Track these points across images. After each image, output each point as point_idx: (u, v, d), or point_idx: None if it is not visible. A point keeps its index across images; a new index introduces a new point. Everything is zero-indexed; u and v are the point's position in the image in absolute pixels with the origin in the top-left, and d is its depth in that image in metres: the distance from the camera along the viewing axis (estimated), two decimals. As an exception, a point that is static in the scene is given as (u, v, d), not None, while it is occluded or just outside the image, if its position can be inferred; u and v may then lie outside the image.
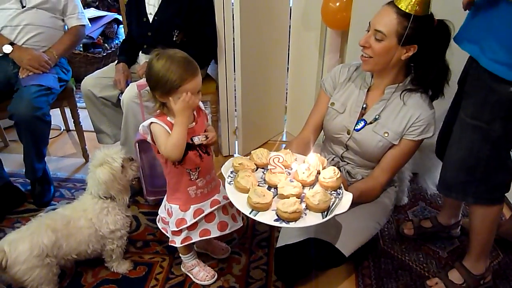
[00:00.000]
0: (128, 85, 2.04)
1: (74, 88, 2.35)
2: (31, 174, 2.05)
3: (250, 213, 1.16)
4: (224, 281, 1.64)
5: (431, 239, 1.85)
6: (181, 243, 1.49)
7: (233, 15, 2.11)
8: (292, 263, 1.52)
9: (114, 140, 2.30)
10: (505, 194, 1.45)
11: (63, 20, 2.20)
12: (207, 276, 1.62)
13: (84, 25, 2.25)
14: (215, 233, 1.50)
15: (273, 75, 2.52)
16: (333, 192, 1.25)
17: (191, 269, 1.65)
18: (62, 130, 2.83)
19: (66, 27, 2.23)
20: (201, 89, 1.32)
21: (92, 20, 3.33)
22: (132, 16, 2.17)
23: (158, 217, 1.60)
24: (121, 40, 3.70)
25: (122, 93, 2.06)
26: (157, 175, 1.96)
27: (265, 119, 2.61)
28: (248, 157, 1.38)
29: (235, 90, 2.34)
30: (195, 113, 1.40)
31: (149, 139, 1.35)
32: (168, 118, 1.33)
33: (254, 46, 2.25)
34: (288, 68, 2.63)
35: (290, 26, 2.49)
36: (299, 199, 1.18)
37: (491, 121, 1.28)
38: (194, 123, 1.38)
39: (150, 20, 2.08)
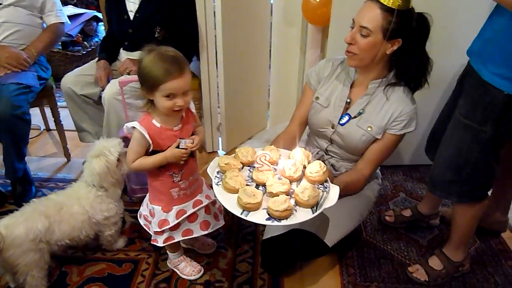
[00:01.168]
0: (109, 82, 2.03)
1: (54, 86, 2.32)
2: (11, 175, 2.01)
3: (241, 214, 1.15)
4: (210, 275, 1.65)
5: (411, 228, 1.90)
6: (163, 243, 1.49)
7: (214, 11, 2.11)
8: (277, 254, 1.54)
9: (97, 138, 2.23)
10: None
11: (41, 18, 2.16)
12: (193, 271, 1.63)
13: (63, 23, 2.22)
14: (197, 232, 1.51)
15: (256, 71, 2.54)
16: (320, 186, 1.26)
17: (177, 265, 1.65)
18: (42, 129, 2.79)
19: (45, 25, 2.19)
20: (189, 88, 1.28)
21: (71, 17, 3.27)
22: (112, 13, 2.16)
23: (139, 213, 1.59)
24: (101, 38, 3.66)
25: (103, 90, 2.04)
26: (141, 172, 1.96)
27: (248, 115, 2.63)
28: (233, 155, 1.38)
29: (217, 86, 2.35)
30: (183, 114, 1.38)
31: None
32: (154, 121, 1.32)
33: (236, 42, 2.26)
34: (270, 64, 2.64)
35: (271, 22, 2.51)
36: (289, 196, 1.19)
37: (483, 122, 1.31)
38: (180, 125, 1.36)
39: (131, 17, 2.07)
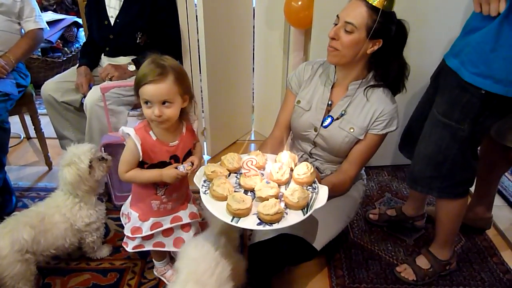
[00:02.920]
0: (90, 88, 1.99)
1: (34, 94, 2.27)
2: (-10, 185, 1.95)
3: (231, 221, 1.13)
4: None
5: (397, 228, 1.91)
6: (133, 249, 1.47)
7: (196, 16, 2.10)
8: (265, 259, 1.52)
9: (79, 146, 2.23)
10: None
11: (19, 24, 2.12)
12: None
13: (42, 29, 2.18)
14: (169, 247, 1.48)
15: (239, 75, 2.54)
16: (308, 187, 1.26)
17: (164, 273, 1.63)
18: (22, 138, 2.72)
19: (23, 31, 2.14)
20: (172, 100, 1.21)
21: (51, 23, 3.22)
22: (92, 19, 2.13)
23: (121, 212, 1.55)
24: (82, 44, 3.61)
25: (84, 97, 2.00)
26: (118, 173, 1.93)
27: (232, 119, 2.62)
28: (219, 163, 1.35)
29: (201, 91, 2.33)
30: (183, 129, 1.34)
31: (126, 142, 1.32)
32: (151, 132, 1.29)
33: (219, 46, 2.25)
34: (253, 67, 2.65)
35: (254, 26, 2.51)
36: (278, 199, 1.18)
37: (461, 121, 1.33)
38: (177, 141, 1.32)
39: (112, 23, 2.04)
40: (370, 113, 1.44)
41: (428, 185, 1.49)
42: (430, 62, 1.71)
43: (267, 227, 1.11)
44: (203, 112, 2.39)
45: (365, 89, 1.45)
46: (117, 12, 2.02)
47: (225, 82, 2.41)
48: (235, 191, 1.22)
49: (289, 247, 1.45)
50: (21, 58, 2.11)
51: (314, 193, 1.24)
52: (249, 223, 1.13)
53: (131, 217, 1.44)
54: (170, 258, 1.66)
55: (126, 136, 1.29)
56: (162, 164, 1.33)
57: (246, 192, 1.25)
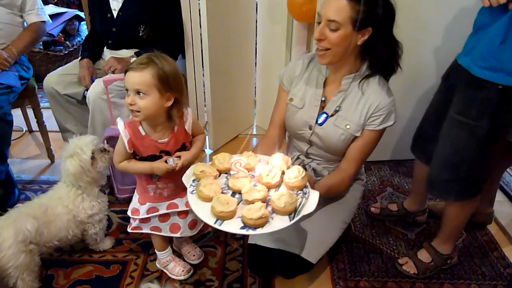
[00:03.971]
0: (93, 81, 1.99)
1: (36, 87, 2.27)
2: (-7, 177, 1.96)
3: (215, 223, 1.09)
4: (200, 275, 1.64)
5: (399, 222, 1.92)
6: (131, 230, 1.51)
7: (199, 10, 2.10)
8: (263, 260, 1.53)
9: (81, 139, 2.23)
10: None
11: (21, 17, 2.11)
12: (182, 271, 1.61)
13: (44, 21, 2.17)
14: (166, 232, 1.51)
15: (242, 69, 2.53)
16: (299, 192, 1.21)
17: (166, 265, 1.63)
18: (24, 131, 2.72)
19: (25, 24, 2.14)
20: (146, 92, 1.21)
21: (52, 17, 3.19)
22: (95, 12, 2.12)
23: None
24: (83, 37, 3.61)
25: (87, 90, 2.01)
26: (127, 173, 1.93)
27: (234, 113, 2.62)
28: (210, 163, 1.32)
29: (203, 85, 2.33)
30: (175, 128, 1.35)
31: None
32: (140, 127, 1.31)
33: (221, 40, 2.25)
34: (256, 61, 2.64)
35: (256, 20, 2.50)
36: (265, 203, 1.13)
37: (478, 118, 1.31)
38: (166, 139, 1.34)
39: (115, 16, 2.04)
40: (365, 108, 1.36)
41: (444, 189, 1.47)
42: (440, 60, 1.73)
43: (251, 232, 1.07)
44: (205, 106, 2.39)
45: (360, 82, 1.37)
46: (120, 5, 2.01)
47: (227, 76, 2.41)
48: (223, 193, 1.18)
49: (284, 263, 1.45)
50: (23, 51, 2.10)
51: (304, 198, 1.18)
52: (232, 226, 1.09)
53: (134, 198, 1.49)
54: (172, 250, 1.66)
55: (118, 129, 1.32)
56: (152, 157, 1.34)
57: (234, 194, 1.21)
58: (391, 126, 1.39)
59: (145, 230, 1.51)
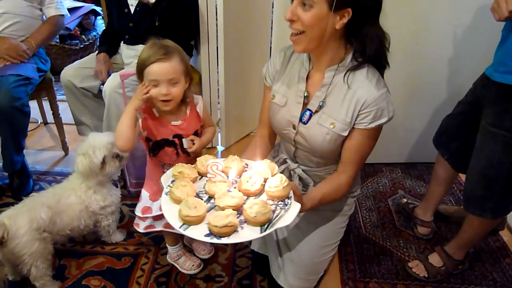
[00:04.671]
0: (109, 75, 2.01)
1: (53, 79, 2.30)
2: (9, 167, 1.99)
3: (180, 227, 1.02)
4: (210, 270, 1.65)
5: (410, 225, 1.91)
6: (144, 230, 1.50)
7: (216, 8, 2.11)
8: (265, 265, 1.53)
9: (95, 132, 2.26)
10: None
11: (41, 10, 2.14)
12: (193, 265, 1.63)
13: (63, 15, 2.20)
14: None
15: (256, 67, 2.53)
16: (279, 202, 1.10)
17: (177, 259, 1.65)
18: (39, 123, 2.76)
19: (44, 17, 2.17)
20: (178, 80, 1.24)
21: (69, 11, 3.20)
22: (112, 7, 2.14)
23: None
24: (99, 32, 3.65)
25: (103, 83, 2.03)
26: (141, 166, 1.95)
27: (247, 111, 2.62)
28: (194, 164, 1.25)
29: (218, 82, 2.34)
30: (187, 110, 1.37)
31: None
32: (154, 109, 1.33)
33: (237, 38, 2.25)
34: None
35: (272, 18, 2.50)
36: (236, 211, 1.05)
37: None
38: (180, 121, 1.35)
39: (132, 11, 2.05)
40: (352, 104, 1.19)
41: (481, 206, 1.41)
42: (451, 64, 1.72)
43: (215, 240, 0.99)
44: (218, 103, 2.40)
45: (345, 74, 1.19)
46: (137, 0, 2.03)
47: (241, 73, 2.41)
48: (198, 196, 1.12)
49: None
50: (42, 44, 2.13)
51: (283, 210, 1.07)
52: (197, 232, 1.01)
53: (142, 197, 1.48)
54: (183, 245, 1.68)
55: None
56: (165, 142, 1.35)
57: (210, 198, 1.14)
58: (386, 123, 1.20)
59: (158, 227, 1.50)
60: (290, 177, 1.38)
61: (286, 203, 1.10)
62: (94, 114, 2.21)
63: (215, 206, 1.08)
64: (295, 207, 1.07)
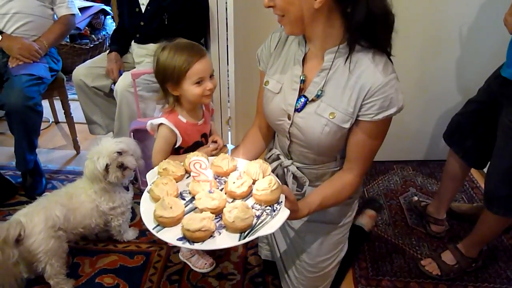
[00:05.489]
0: (121, 74, 2.02)
1: (65, 79, 2.32)
2: (22, 166, 2.01)
3: (153, 229, 0.94)
4: (223, 268, 1.65)
5: (422, 223, 1.90)
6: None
7: (226, 7, 2.11)
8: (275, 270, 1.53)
9: (107, 131, 2.28)
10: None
11: (52, 9, 2.16)
12: (205, 264, 1.63)
13: (74, 14, 2.22)
14: None
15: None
16: (267, 207, 1.00)
17: (190, 257, 1.65)
18: (51, 122, 2.79)
19: (56, 16, 2.19)
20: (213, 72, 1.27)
21: (79, 10, 3.24)
22: (123, 6, 2.15)
23: None
24: (108, 31, 3.66)
25: (114, 83, 2.04)
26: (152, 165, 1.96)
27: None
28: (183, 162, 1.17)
29: (228, 80, 2.34)
30: (204, 108, 1.38)
31: (156, 135, 1.34)
32: (180, 117, 1.31)
33: (246, 36, 2.24)
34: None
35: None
36: (214, 215, 0.96)
37: None
38: (202, 119, 1.36)
39: (143, 10, 2.06)
40: (355, 91, 1.04)
41: (505, 205, 1.38)
42: (460, 62, 1.71)
43: (187, 245, 0.91)
44: (228, 102, 2.41)
45: (347, 57, 1.04)
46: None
47: (251, 72, 2.40)
48: (181, 196, 1.05)
49: None
50: (53, 43, 2.15)
51: (269, 216, 0.98)
52: (169, 235, 0.93)
53: None
54: None
55: (156, 128, 1.32)
56: (196, 145, 1.36)
57: (194, 199, 1.04)
58: (395, 114, 1.04)
59: None
60: (283, 175, 1.28)
61: (275, 208, 1.00)
62: (106, 113, 2.23)
63: (196, 208, 0.99)
64: (282, 214, 0.97)
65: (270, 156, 1.33)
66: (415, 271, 1.65)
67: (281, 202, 1.01)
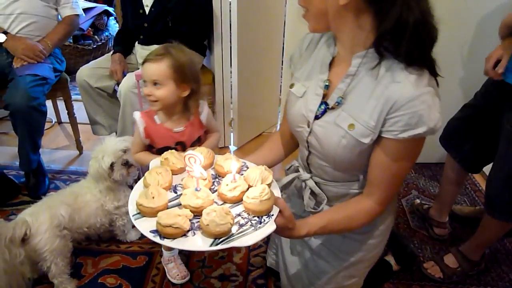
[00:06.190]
0: (124, 75, 2.03)
1: (69, 79, 2.32)
2: (26, 166, 2.02)
3: (133, 215, 0.93)
4: (225, 269, 1.66)
5: (425, 225, 1.90)
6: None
7: (230, 9, 2.12)
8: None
9: (110, 131, 2.29)
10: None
11: (56, 10, 2.16)
12: (177, 275, 1.60)
13: (78, 15, 2.22)
14: None
15: (268, 67, 2.54)
16: (254, 217, 0.93)
17: (167, 263, 1.64)
18: (53, 122, 2.79)
19: (60, 17, 2.19)
20: (162, 83, 1.23)
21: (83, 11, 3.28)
22: (127, 8, 2.16)
23: None
24: (111, 32, 3.67)
25: (118, 84, 2.05)
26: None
27: (259, 111, 2.63)
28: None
29: (231, 81, 2.35)
30: (190, 118, 1.35)
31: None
32: (155, 117, 1.33)
33: (250, 38, 2.26)
34: (282, 60, 2.64)
35: (285, 17, 2.51)
36: (192, 214, 0.92)
37: None
38: (182, 128, 1.34)
39: (147, 12, 2.07)
40: (380, 103, 0.90)
41: (507, 210, 1.38)
42: (477, 66, 1.73)
43: (157, 239, 0.88)
44: (231, 103, 2.41)
45: (377, 64, 0.91)
46: (152, 1, 2.04)
47: (254, 73, 2.42)
48: (174, 189, 1.03)
49: None
50: (58, 44, 2.16)
51: (252, 228, 0.91)
52: (144, 225, 0.91)
53: None
54: (178, 252, 1.66)
55: (134, 120, 1.36)
56: (167, 149, 1.32)
57: None
58: (425, 135, 0.90)
59: None
60: (301, 189, 1.19)
61: (262, 220, 0.92)
62: (109, 113, 2.24)
63: (180, 204, 0.96)
64: (267, 228, 0.90)
65: (290, 167, 1.24)
66: (418, 274, 1.65)
67: (272, 215, 0.93)
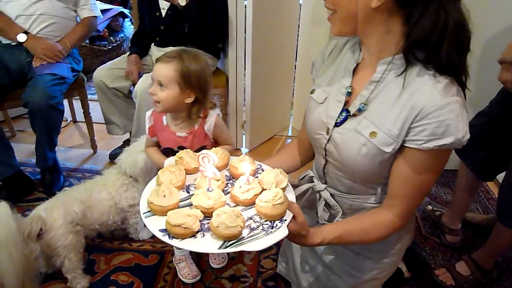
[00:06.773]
0: (140, 76, 2.06)
1: (85, 79, 2.37)
2: (42, 163, 2.06)
3: (144, 213, 0.92)
4: (235, 270, 1.67)
5: (437, 232, 1.89)
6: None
7: (245, 13, 2.14)
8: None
9: (124, 131, 2.32)
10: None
11: (75, 11, 2.21)
12: (189, 274, 1.62)
13: (96, 17, 2.27)
14: None
15: (282, 70, 2.56)
16: (267, 221, 0.90)
17: (178, 263, 1.66)
18: (69, 121, 2.84)
19: (78, 18, 2.24)
20: (166, 85, 1.22)
21: (99, 12, 3.33)
22: (144, 10, 2.19)
23: None
24: (126, 33, 3.72)
25: (134, 84, 2.08)
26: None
27: (272, 113, 2.65)
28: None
29: (244, 84, 2.37)
30: (196, 125, 1.34)
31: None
32: (164, 117, 1.35)
33: (264, 41, 2.28)
34: (296, 64, 2.66)
35: (299, 22, 2.52)
36: (203, 215, 0.90)
37: None
38: (185, 133, 1.33)
39: (163, 15, 2.10)
40: (405, 110, 0.85)
41: None
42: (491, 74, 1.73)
43: (166, 239, 0.85)
44: (244, 105, 2.43)
45: (403, 70, 0.87)
46: (169, 4, 2.07)
47: (267, 76, 2.44)
48: (187, 188, 1.01)
49: None
50: (76, 44, 2.20)
51: (263, 232, 0.87)
52: (154, 224, 0.89)
53: None
54: (190, 252, 1.68)
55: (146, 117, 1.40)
56: (170, 151, 1.36)
57: None
58: (452, 146, 0.84)
59: None
60: (315, 200, 1.14)
61: (274, 225, 0.89)
62: (124, 113, 2.27)
63: (191, 204, 0.94)
64: (279, 234, 0.86)
65: (304, 177, 1.18)
66: (429, 281, 1.65)
67: (285, 220, 0.89)
